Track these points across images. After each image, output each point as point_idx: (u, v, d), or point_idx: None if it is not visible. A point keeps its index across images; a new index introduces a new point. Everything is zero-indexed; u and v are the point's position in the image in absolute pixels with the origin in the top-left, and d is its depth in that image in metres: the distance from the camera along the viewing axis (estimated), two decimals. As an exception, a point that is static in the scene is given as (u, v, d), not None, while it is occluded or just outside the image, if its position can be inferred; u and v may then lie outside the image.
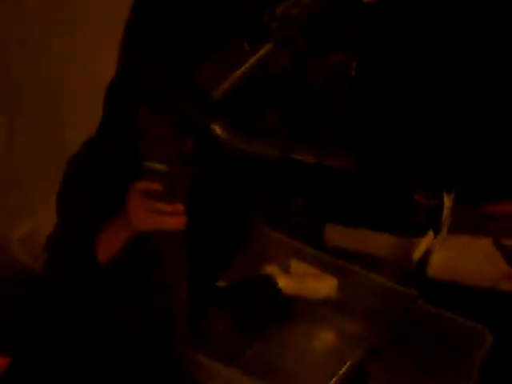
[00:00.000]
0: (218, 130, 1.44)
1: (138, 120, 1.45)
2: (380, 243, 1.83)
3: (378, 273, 1.81)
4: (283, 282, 1.88)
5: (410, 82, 1.84)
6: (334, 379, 1.69)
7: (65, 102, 2.78)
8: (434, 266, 1.80)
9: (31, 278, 1.91)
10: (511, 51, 1.81)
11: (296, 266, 1.93)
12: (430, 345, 1.78)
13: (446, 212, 1.75)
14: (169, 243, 1.54)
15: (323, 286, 1.88)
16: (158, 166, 1.46)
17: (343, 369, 1.71)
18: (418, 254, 1.80)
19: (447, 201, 1.75)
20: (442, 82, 1.83)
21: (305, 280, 1.88)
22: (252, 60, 1.53)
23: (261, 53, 1.55)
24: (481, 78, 1.81)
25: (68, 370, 1.69)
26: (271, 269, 1.93)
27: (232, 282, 1.90)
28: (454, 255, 1.80)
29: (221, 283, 1.90)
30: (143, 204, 1.50)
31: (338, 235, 1.90)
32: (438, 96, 1.82)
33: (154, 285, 1.59)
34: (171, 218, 1.50)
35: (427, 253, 1.79)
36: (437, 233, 1.77)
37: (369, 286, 1.82)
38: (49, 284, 1.72)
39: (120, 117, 1.62)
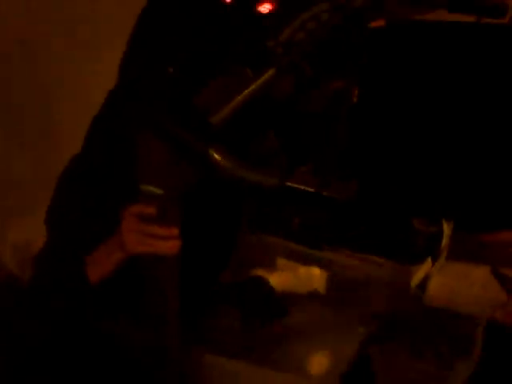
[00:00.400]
0: (215, 155, 1.43)
1: (134, 139, 1.45)
2: (378, 268, 1.83)
3: (377, 298, 1.82)
4: (274, 281, 1.88)
5: (412, 110, 1.83)
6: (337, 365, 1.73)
7: (65, 102, 2.77)
8: (432, 292, 1.80)
9: (19, 284, 1.91)
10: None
11: (283, 263, 1.93)
12: (428, 327, 1.81)
13: (445, 240, 1.74)
14: (162, 264, 1.54)
15: (313, 279, 1.90)
16: (154, 190, 1.46)
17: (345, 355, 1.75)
18: (416, 280, 1.80)
19: (447, 228, 1.75)
20: (445, 110, 1.82)
21: (295, 276, 1.89)
22: (254, 85, 1.52)
23: (263, 78, 1.54)
24: (483, 108, 1.81)
25: (54, 379, 1.69)
26: (260, 270, 1.94)
27: (225, 285, 1.91)
28: (451, 282, 1.80)
29: (215, 287, 1.91)
30: (138, 227, 1.50)
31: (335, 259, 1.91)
32: (440, 125, 1.82)
33: (147, 298, 1.59)
34: (166, 242, 1.49)
35: (425, 279, 1.79)
36: (435, 260, 1.77)
37: (360, 275, 1.84)
38: (36, 291, 1.70)
39: (114, 128, 1.61)
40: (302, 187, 1.48)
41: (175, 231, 1.50)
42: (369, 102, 1.75)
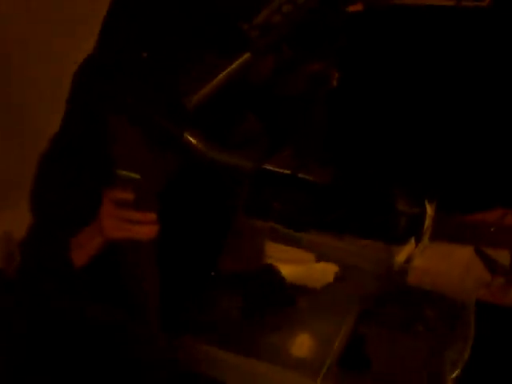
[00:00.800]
0: (191, 139, 1.44)
1: (109, 124, 1.46)
2: (361, 250, 1.83)
3: (364, 279, 1.83)
4: (286, 271, 1.88)
5: (392, 92, 1.83)
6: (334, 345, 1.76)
7: (64, 102, 2.77)
8: (415, 273, 1.80)
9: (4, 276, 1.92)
10: (493, 69, 1.81)
11: (271, 247, 1.94)
12: (420, 300, 1.83)
13: (428, 220, 1.73)
14: (139, 249, 1.55)
15: (327, 274, 1.91)
16: (130, 175, 1.46)
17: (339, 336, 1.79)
18: (398, 261, 1.80)
19: (429, 209, 1.74)
20: (425, 92, 1.82)
21: (307, 269, 1.89)
22: (229, 69, 1.52)
23: (238, 62, 1.54)
24: (463, 90, 1.81)
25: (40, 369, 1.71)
26: (271, 259, 1.96)
27: (235, 272, 1.93)
28: (435, 263, 1.79)
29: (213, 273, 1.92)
30: (115, 213, 1.50)
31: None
32: (421, 105, 1.82)
33: (126, 283, 1.60)
34: (143, 228, 1.50)
35: (408, 261, 1.79)
36: (418, 241, 1.76)
37: (349, 254, 1.84)
38: (24, 277, 1.71)
39: (88, 106, 1.62)
40: (279, 170, 1.47)
41: (152, 216, 1.50)
42: (349, 85, 1.75)
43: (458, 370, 1.73)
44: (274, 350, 1.82)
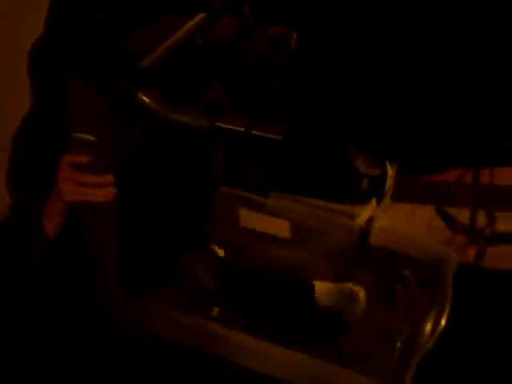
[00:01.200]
0: (144, 98, 1.45)
1: (65, 87, 1.47)
2: (323, 213, 1.83)
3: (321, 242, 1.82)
4: (321, 288, 1.89)
5: (351, 51, 1.83)
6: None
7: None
8: (378, 233, 1.79)
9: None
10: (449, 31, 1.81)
11: (245, 215, 1.94)
12: (395, 262, 1.85)
13: (389, 181, 1.73)
14: (98, 213, 1.56)
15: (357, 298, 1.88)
16: (86, 137, 1.47)
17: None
18: (360, 222, 1.80)
19: (390, 170, 1.73)
20: (385, 50, 1.82)
21: (340, 290, 1.89)
22: (185, 29, 1.54)
23: (192, 22, 1.56)
24: (422, 49, 1.80)
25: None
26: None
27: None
28: (397, 224, 1.78)
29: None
30: (72, 176, 1.50)
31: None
32: (381, 64, 1.81)
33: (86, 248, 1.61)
34: (100, 190, 1.50)
35: (370, 221, 1.78)
36: (379, 202, 1.76)
37: (322, 220, 1.83)
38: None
39: (49, 82, 1.63)
40: (232, 127, 1.48)
41: (109, 178, 1.51)
42: (307, 46, 1.75)
43: (434, 338, 1.72)
44: (246, 318, 1.81)
